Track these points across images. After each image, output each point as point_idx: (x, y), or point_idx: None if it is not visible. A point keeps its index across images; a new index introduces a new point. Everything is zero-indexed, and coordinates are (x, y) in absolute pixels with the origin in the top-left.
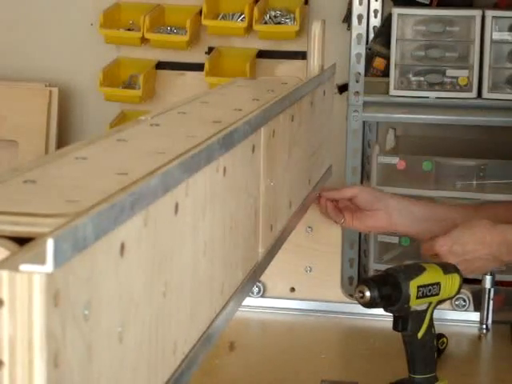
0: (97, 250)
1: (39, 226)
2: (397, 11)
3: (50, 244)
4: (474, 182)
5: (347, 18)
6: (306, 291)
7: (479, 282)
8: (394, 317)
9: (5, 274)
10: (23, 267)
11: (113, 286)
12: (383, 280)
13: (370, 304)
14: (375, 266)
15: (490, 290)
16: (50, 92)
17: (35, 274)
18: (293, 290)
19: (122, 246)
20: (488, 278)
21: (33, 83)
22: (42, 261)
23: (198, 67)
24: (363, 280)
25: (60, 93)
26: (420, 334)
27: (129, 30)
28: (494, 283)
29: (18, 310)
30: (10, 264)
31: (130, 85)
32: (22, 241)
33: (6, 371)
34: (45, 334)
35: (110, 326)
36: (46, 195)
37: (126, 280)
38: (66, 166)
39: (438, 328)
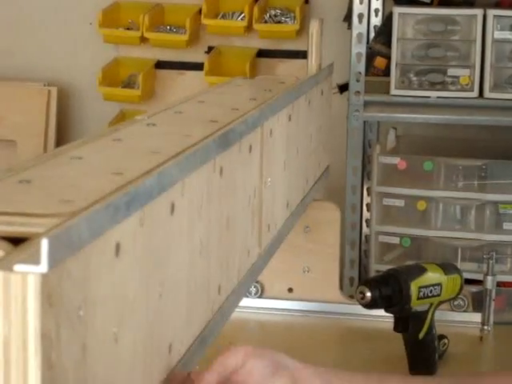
0: (91, 251)
1: (34, 226)
2: (398, 10)
3: (44, 244)
4: (476, 182)
5: (348, 17)
6: (303, 292)
7: (480, 282)
8: (395, 318)
9: None
10: (17, 267)
11: (108, 286)
12: (384, 281)
13: (370, 305)
14: (376, 267)
15: (491, 290)
16: (49, 91)
17: (29, 274)
18: (291, 290)
19: (118, 247)
20: (489, 279)
21: (31, 83)
22: (36, 261)
23: (198, 67)
24: (364, 281)
25: (59, 92)
26: (421, 335)
27: (128, 29)
28: (496, 284)
29: (13, 310)
30: (4, 264)
31: (129, 84)
32: (16, 241)
33: (0, 371)
34: (39, 335)
35: (105, 327)
36: (41, 195)
37: (121, 280)
38: (62, 165)
39: (439, 329)
